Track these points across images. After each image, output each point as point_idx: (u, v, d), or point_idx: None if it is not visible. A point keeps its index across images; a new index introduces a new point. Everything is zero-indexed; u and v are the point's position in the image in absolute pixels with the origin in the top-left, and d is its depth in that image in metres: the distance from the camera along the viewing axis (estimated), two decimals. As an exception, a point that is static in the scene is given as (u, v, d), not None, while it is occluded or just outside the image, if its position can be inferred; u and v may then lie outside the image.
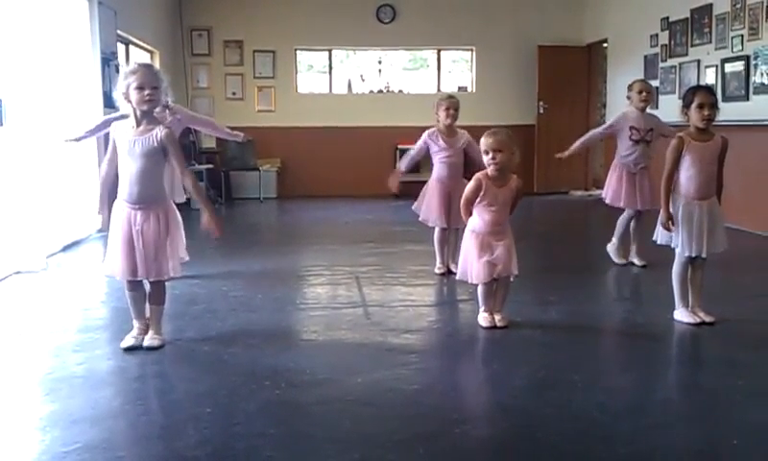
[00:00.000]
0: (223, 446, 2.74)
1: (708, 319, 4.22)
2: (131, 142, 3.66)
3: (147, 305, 3.93)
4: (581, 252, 7.20)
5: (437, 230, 5.64)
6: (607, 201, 6.04)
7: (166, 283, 3.94)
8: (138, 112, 3.65)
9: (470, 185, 4.16)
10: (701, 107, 4.03)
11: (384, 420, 3.02)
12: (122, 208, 3.74)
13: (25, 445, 2.79)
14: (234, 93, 11.76)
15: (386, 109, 11.74)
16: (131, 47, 9.52)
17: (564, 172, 11.77)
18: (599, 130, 6.47)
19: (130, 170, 3.68)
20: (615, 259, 6.00)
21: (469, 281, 4.21)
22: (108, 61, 8.03)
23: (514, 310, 4.50)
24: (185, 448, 2.76)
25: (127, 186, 3.70)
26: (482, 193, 4.10)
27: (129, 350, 3.81)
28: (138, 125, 3.67)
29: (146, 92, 3.59)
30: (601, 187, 6.69)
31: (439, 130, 5.56)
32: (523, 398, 3.26)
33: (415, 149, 5.65)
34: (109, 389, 3.40)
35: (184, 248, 4.04)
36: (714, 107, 4.06)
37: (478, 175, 4.15)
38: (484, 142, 4.09)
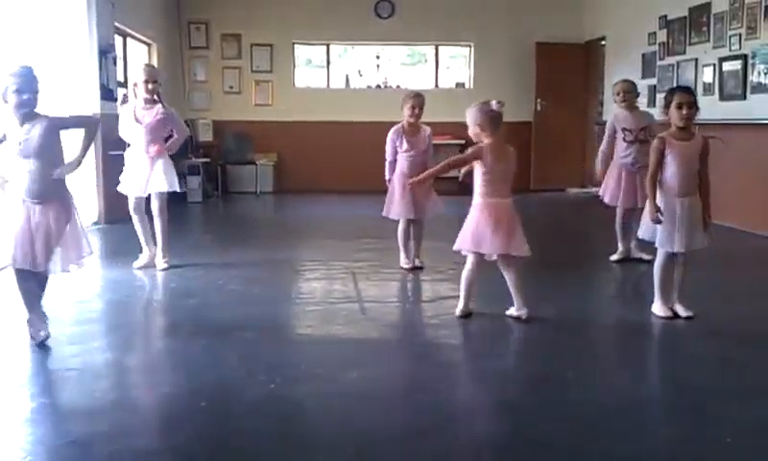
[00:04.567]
0: (217, 439, 2.75)
1: (685, 313, 4.27)
2: (18, 143, 3.68)
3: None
4: (577, 248, 7.20)
5: (401, 222, 5.69)
6: (605, 200, 6.03)
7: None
8: (18, 116, 3.68)
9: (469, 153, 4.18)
10: (680, 106, 4.14)
11: (379, 415, 3.02)
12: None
13: (19, 437, 2.79)
14: (232, 87, 11.72)
15: (383, 104, 11.70)
16: (128, 39, 9.50)
17: (561, 169, 11.80)
18: (603, 146, 6.14)
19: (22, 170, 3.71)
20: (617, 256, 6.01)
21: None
22: (106, 54, 8.02)
23: (509, 307, 4.51)
24: (180, 441, 2.76)
25: (24, 184, 3.72)
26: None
27: None
28: (22, 125, 3.69)
29: (24, 97, 3.63)
30: (598, 185, 6.65)
31: (403, 127, 5.62)
32: (518, 394, 3.27)
33: (388, 152, 5.67)
34: (104, 382, 3.40)
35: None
36: (693, 105, 4.16)
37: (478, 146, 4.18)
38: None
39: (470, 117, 4.22)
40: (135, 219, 5.62)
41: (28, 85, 3.66)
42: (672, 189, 4.18)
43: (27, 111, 3.69)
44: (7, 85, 3.65)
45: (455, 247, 4.20)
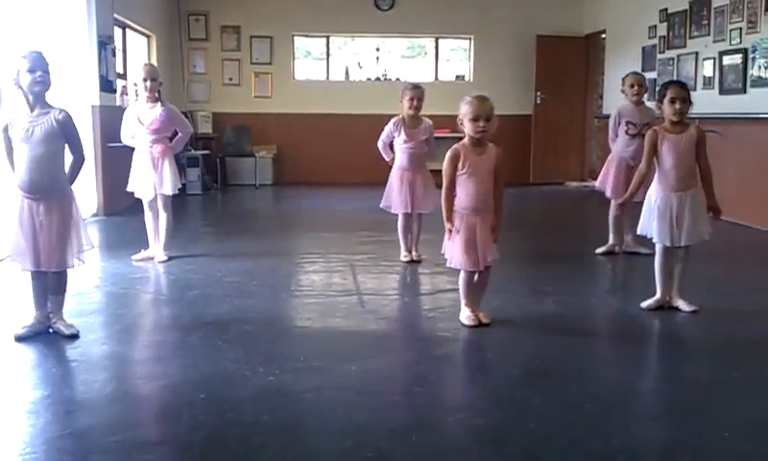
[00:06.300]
0: (216, 432, 2.75)
1: (688, 308, 4.28)
2: (25, 129, 3.63)
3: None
4: (576, 242, 7.19)
5: (400, 217, 5.70)
6: (607, 194, 6.02)
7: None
8: (31, 97, 3.64)
9: (446, 161, 3.87)
10: (673, 101, 4.15)
11: (377, 408, 3.03)
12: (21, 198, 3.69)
13: (18, 429, 2.79)
14: (231, 79, 11.70)
15: (383, 96, 11.68)
16: (127, 31, 9.48)
17: (561, 162, 11.80)
18: (612, 137, 6.07)
19: (25, 157, 3.64)
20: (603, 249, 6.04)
21: (457, 267, 3.98)
22: (105, 45, 8.00)
23: (508, 300, 4.52)
24: (179, 433, 2.77)
25: (25, 174, 3.65)
26: (461, 162, 3.85)
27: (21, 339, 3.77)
28: (32, 110, 3.65)
29: (37, 74, 3.59)
30: (596, 178, 6.64)
31: (403, 119, 5.60)
32: (516, 387, 3.27)
33: (382, 139, 5.71)
34: (103, 374, 3.40)
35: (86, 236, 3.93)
36: (687, 101, 4.16)
37: (454, 146, 3.91)
38: (474, 108, 3.76)
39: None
40: (149, 216, 5.67)
41: (40, 64, 3.61)
42: (668, 184, 4.19)
43: (41, 90, 3.63)
44: (19, 67, 3.60)
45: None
